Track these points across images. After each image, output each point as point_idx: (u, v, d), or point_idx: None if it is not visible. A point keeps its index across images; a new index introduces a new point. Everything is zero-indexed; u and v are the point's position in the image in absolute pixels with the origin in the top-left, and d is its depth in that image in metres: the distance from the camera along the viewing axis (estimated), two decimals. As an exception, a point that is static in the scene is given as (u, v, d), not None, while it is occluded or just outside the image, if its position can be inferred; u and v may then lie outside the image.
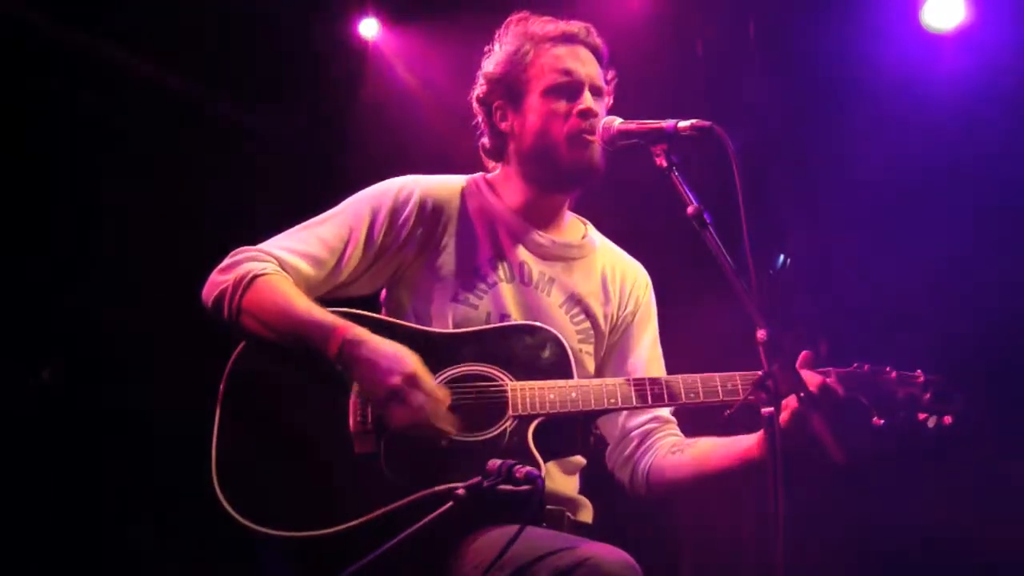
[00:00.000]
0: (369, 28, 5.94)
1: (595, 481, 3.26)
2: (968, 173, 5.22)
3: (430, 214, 3.13)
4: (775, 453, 2.40)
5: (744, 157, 2.63)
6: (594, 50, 3.21)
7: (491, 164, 3.31)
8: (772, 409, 2.45)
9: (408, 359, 2.77)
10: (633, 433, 3.23)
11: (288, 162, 5.92)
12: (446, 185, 3.21)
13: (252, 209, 5.41)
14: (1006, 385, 4.82)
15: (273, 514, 2.73)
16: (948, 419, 2.87)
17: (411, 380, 2.73)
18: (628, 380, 2.95)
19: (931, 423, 2.87)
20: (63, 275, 5.24)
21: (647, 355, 3.30)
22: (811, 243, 5.44)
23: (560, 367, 2.95)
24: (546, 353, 2.97)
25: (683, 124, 2.75)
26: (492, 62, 3.23)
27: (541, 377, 2.91)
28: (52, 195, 5.20)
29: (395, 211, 3.10)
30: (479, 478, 2.44)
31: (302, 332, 2.85)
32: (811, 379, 2.85)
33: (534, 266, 3.19)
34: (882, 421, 2.88)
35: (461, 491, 2.41)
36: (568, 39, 3.18)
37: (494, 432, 2.84)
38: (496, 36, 3.27)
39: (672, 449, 3.16)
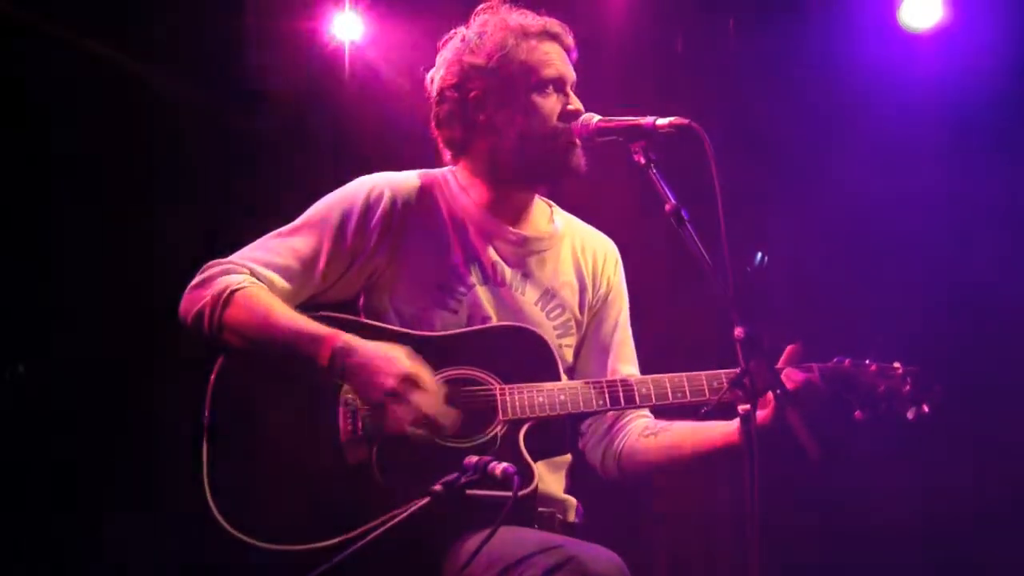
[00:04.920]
0: (346, 24, 5.91)
1: (580, 480, 3.27)
2: (947, 172, 5.24)
3: (401, 213, 3.07)
4: (752, 451, 2.41)
5: (722, 155, 2.63)
6: (568, 51, 3.17)
7: (448, 155, 3.23)
8: (749, 407, 2.46)
9: (402, 360, 2.76)
10: (606, 415, 3.24)
11: (266, 159, 5.88)
12: (415, 183, 3.15)
13: (230, 206, 5.38)
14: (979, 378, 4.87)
15: (270, 529, 2.71)
16: (927, 408, 2.92)
17: (408, 379, 2.73)
18: (616, 382, 2.98)
19: (911, 414, 2.92)
20: (42, 270, 5.20)
21: (620, 335, 3.30)
22: (788, 241, 5.46)
23: (546, 367, 2.96)
24: (531, 354, 2.97)
25: (662, 121, 2.75)
26: (472, 50, 3.12)
27: (528, 379, 2.92)
28: (32, 191, 5.16)
29: (366, 213, 3.05)
30: (456, 474, 2.43)
31: (289, 345, 2.82)
32: (795, 376, 2.89)
33: (506, 265, 3.16)
34: (864, 415, 2.92)
35: (438, 487, 2.41)
36: (553, 37, 3.14)
37: (486, 437, 2.84)
38: (470, 23, 3.18)
39: (645, 432, 3.17)
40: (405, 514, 2.38)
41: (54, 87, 5.16)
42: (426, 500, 2.38)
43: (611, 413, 3.22)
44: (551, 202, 3.35)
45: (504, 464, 2.43)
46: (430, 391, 2.75)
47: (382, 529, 2.38)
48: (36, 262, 5.17)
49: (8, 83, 5.01)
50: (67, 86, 5.21)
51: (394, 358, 2.76)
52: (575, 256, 3.28)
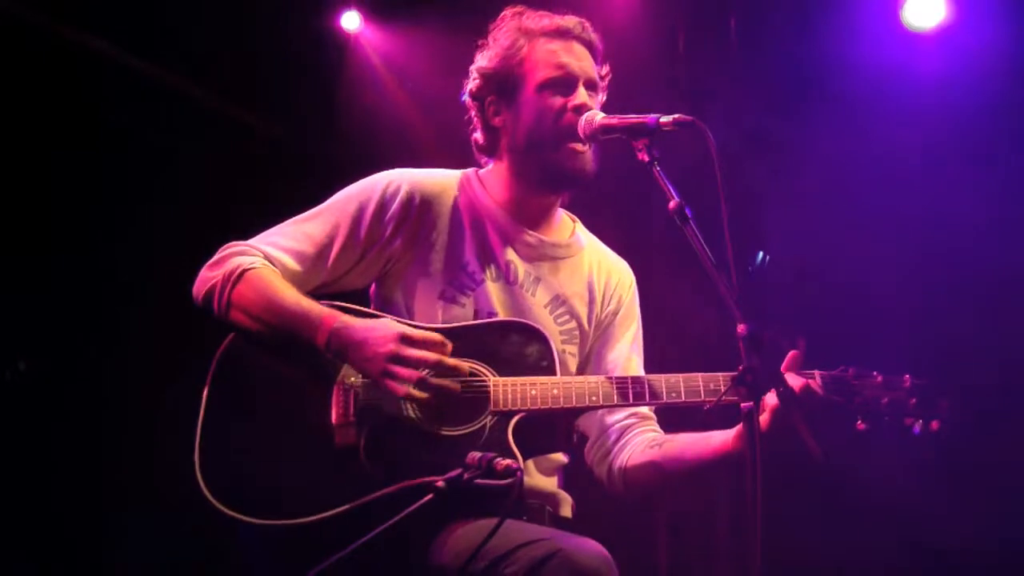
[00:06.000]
0: (351, 21, 5.93)
1: (575, 477, 3.26)
2: (948, 171, 5.24)
3: (418, 209, 3.11)
4: (754, 448, 2.41)
5: (725, 153, 2.63)
6: (588, 45, 3.17)
7: (483, 160, 3.27)
8: (751, 404, 2.45)
9: (394, 325, 2.82)
10: (612, 429, 3.23)
11: (271, 156, 5.90)
12: (438, 179, 3.19)
13: (233, 203, 5.38)
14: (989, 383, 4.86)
15: (252, 502, 2.75)
16: (935, 424, 2.86)
17: (404, 339, 2.77)
18: (610, 378, 2.94)
19: (917, 428, 2.86)
20: (41, 269, 5.21)
21: (626, 354, 3.29)
22: (790, 240, 5.45)
23: (544, 364, 2.95)
24: (530, 350, 2.96)
25: (665, 119, 2.75)
26: (486, 56, 3.19)
27: (525, 374, 2.91)
28: (32, 190, 5.17)
29: (382, 206, 3.08)
30: (459, 470, 2.44)
31: (290, 324, 2.88)
32: (795, 382, 2.85)
33: (520, 265, 3.17)
34: (866, 426, 2.88)
35: (441, 483, 2.41)
36: (563, 34, 3.14)
37: (474, 427, 2.84)
38: (490, 30, 3.23)
39: (650, 445, 3.16)
40: (411, 509, 2.38)
41: (59, 87, 5.18)
42: (429, 496, 2.38)
43: (615, 428, 3.22)
44: (575, 218, 3.37)
45: (508, 460, 2.44)
46: (429, 340, 2.79)
47: (385, 525, 2.37)
48: (37, 261, 5.19)
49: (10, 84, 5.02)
50: (71, 86, 5.22)
51: (387, 325, 2.83)
52: (590, 270, 3.29)
